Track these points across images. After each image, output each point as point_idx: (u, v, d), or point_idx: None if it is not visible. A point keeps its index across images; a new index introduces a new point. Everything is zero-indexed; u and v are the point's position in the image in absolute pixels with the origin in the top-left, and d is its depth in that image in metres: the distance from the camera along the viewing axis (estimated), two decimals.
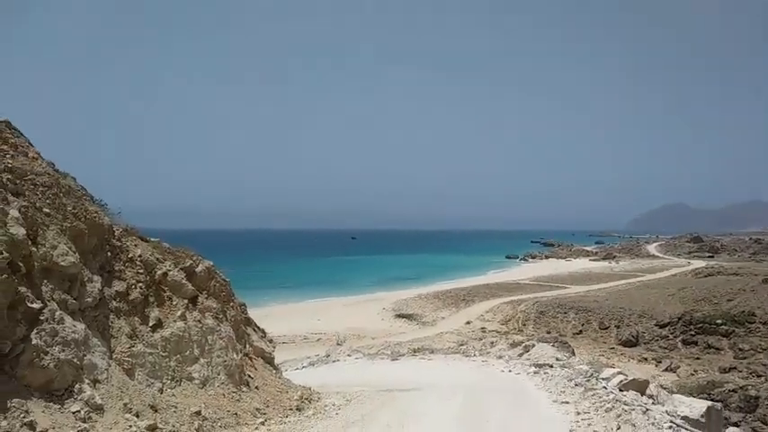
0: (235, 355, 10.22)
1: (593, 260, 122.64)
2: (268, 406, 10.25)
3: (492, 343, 25.05)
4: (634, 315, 53.47)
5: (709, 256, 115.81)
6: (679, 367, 40.55)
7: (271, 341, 13.86)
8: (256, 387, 10.67)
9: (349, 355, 24.22)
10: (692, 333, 46.33)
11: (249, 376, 10.84)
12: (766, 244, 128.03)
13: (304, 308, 66.57)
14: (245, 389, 10.16)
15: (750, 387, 31.91)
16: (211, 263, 11.52)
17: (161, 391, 8.36)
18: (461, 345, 26.39)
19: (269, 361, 12.86)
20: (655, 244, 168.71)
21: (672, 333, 48.05)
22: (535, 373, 16.01)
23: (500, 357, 21.77)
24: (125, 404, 7.33)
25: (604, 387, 12.30)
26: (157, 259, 9.82)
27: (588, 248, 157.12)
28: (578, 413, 10.79)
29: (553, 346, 22.11)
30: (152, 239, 10.49)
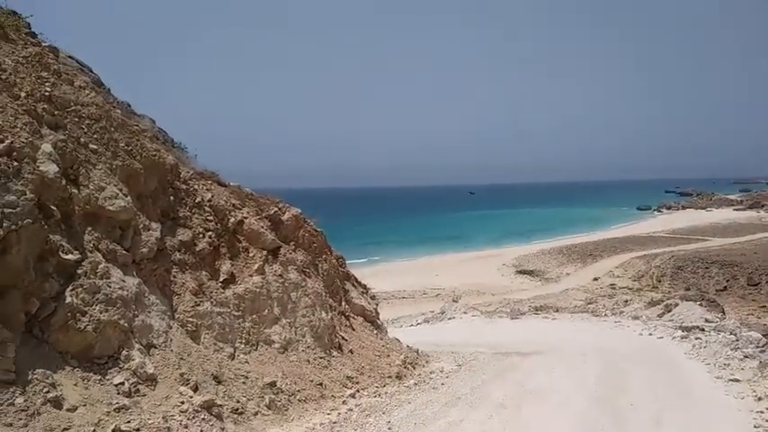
0: (324, 315, 8.81)
1: (738, 209, 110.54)
2: (362, 373, 8.79)
3: (626, 302, 22.13)
4: None
5: None
6: None
7: (374, 297, 12.44)
8: (351, 351, 9.24)
9: (465, 313, 22.54)
10: None
11: (343, 338, 9.42)
12: None
13: (423, 263, 65.69)
14: (336, 353, 8.75)
15: None
16: (299, 210, 10.11)
17: (232, 357, 7.11)
18: (590, 303, 23.67)
19: (371, 320, 11.42)
20: None
21: None
22: (683, 337, 13.33)
23: (636, 318, 19.06)
24: (182, 374, 6.09)
25: None
26: (234, 205, 8.54)
27: (732, 197, 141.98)
28: (759, 398, 8.14)
29: (700, 305, 18.90)
30: (232, 183, 9.23)
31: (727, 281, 47.57)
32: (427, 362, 11.83)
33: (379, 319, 12.56)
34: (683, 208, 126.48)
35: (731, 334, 13.20)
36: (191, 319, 6.83)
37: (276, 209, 9.59)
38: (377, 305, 12.13)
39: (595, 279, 50.29)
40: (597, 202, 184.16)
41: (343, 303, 10.51)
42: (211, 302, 7.18)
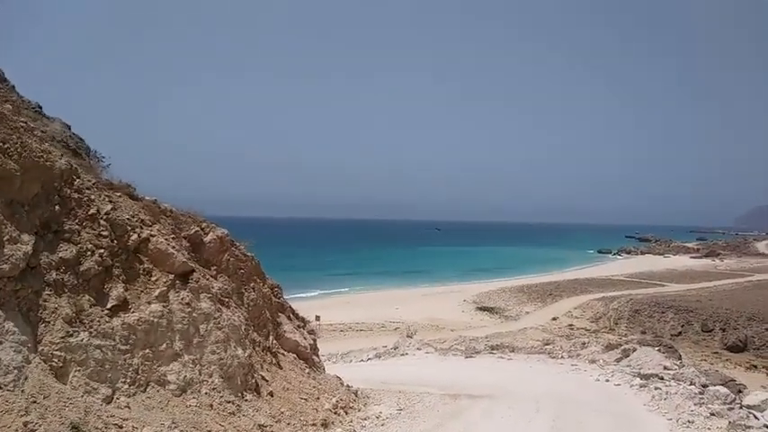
0: (240, 351, 7.49)
1: (695, 257, 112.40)
2: (279, 421, 7.45)
3: (583, 344, 21.19)
4: (742, 317, 47.27)
5: None
6: None
7: (312, 332, 11.14)
8: (270, 393, 7.89)
9: (419, 349, 21.31)
10: None
11: (264, 378, 8.07)
12: None
13: (384, 296, 64.42)
14: (250, 396, 7.39)
15: None
16: (226, 231, 8.87)
17: (108, 400, 5.73)
18: (547, 344, 22.68)
19: (305, 357, 10.11)
20: (765, 242, 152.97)
21: None
22: (642, 386, 12.34)
23: (593, 362, 18.09)
24: (26, 423, 4.73)
25: (766, 426, 8.48)
26: (142, 222, 7.24)
27: (689, 245, 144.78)
28: None
29: (658, 350, 18.04)
30: (147, 198, 7.96)
31: (682, 326, 47.44)
32: (365, 404, 10.56)
33: (316, 355, 11.27)
34: (642, 253, 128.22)
35: (691, 384, 12.29)
36: (58, 353, 5.47)
37: (198, 228, 8.34)
38: (314, 340, 10.87)
39: (554, 319, 49.72)
40: (560, 243, 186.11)
41: (271, 338, 9.19)
42: (90, 333, 5.83)
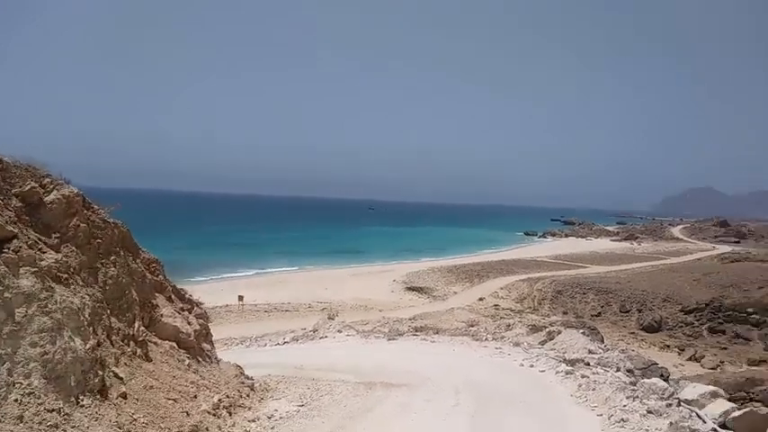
0: (78, 343, 5.70)
1: (615, 240, 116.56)
2: (129, 431, 5.76)
3: (508, 325, 20.35)
4: (657, 299, 48.75)
5: (735, 242, 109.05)
6: (704, 357, 36.17)
7: (202, 316, 9.39)
8: (123, 395, 6.15)
9: (339, 331, 19.86)
10: (720, 321, 41.83)
11: (115, 376, 6.31)
12: None
13: (314, 276, 62.74)
14: (89, 401, 5.61)
15: None
16: (76, 190, 6.97)
17: None
18: (471, 325, 21.77)
19: (188, 345, 8.36)
20: (679, 227, 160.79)
21: (698, 320, 43.47)
22: (568, 373, 11.35)
23: (517, 344, 17.21)
24: None
25: (714, 430, 7.44)
26: None
27: (610, 228, 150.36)
28: None
29: (583, 333, 17.34)
30: None
31: (602, 307, 48.38)
32: (261, 400, 8.98)
33: (208, 342, 9.55)
34: (566, 236, 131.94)
35: (618, 370, 11.43)
36: None
37: (35, 185, 6.42)
38: (204, 325, 9.13)
39: (481, 299, 49.62)
40: (489, 224, 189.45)
41: (137, 325, 7.36)
42: None
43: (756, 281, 54.84)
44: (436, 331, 19.69)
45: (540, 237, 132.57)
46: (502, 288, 54.91)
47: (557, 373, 11.69)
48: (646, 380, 9.69)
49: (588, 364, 11.91)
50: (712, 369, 33.67)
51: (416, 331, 19.76)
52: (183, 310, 8.86)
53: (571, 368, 11.67)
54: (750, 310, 41.03)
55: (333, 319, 21.70)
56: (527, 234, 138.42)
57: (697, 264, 74.31)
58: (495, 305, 47.98)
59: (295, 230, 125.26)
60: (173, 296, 8.89)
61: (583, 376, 10.53)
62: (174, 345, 8.09)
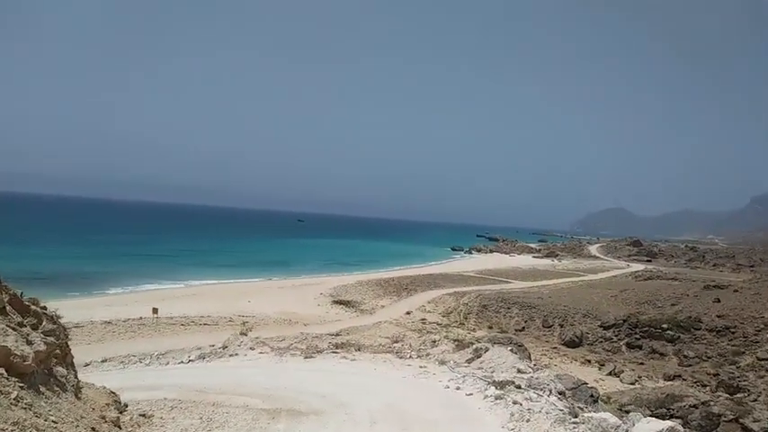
0: None
1: (537, 257, 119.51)
2: None
3: (433, 341, 19.03)
4: (578, 314, 49.14)
5: (647, 260, 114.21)
6: (623, 372, 36.34)
7: (51, 333, 7.38)
8: None
9: (252, 349, 17.90)
10: (637, 336, 42.38)
11: None
12: (701, 252, 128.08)
13: (237, 288, 59.78)
14: None
15: (712, 403, 27.26)
16: None
17: None
18: (395, 342, 20.30)
19: (21, 371, 6.34)
20: (596, 245, 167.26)
21: (616, 335, 43.90)
22: (497, 398, 10.06)
23: (443, 363, 15.88)
24: None
25: None
26: None
27: (532, 245, 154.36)
28: None
29: (511, 350, 16.22)
30: None
31: (525, 321, 48.30)
32: None
33: (61, 365, 7.53)
34: (491, 251, 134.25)
35: (550, 393, 10.23)
36: None
37: None
38: (53, 343, 7.11)
39: (408, 313, 48.67)
40: (418, 240, 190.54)
41: None
42: None
43: (669, 298, 56.72)
44: (358, 348, 18.10)
45: (466, 252, 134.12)
46: (429, 302, 54.22)
47: (485, 397, 10.38)
48: (594, 414, 8.46)
49: (519, 387, 10.67)
50: (631, 384, 33.81)
51: (337, 348, 18.10)
52: (23, 326, 6.85)
53: (501, 392, 10.39)
54: (665, 325, 41.84)
55: (245, 334, 19.66)
56: (454, 249, 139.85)
57: (613, 281, 76.62)
58: (423, 319, 47.05)
59: (219, 241, 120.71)
60: (8, 308, 6.86)
61: (515, 402, 9.26)
62: (2, 371, 6.09)
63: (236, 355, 17.80)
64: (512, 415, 8.71)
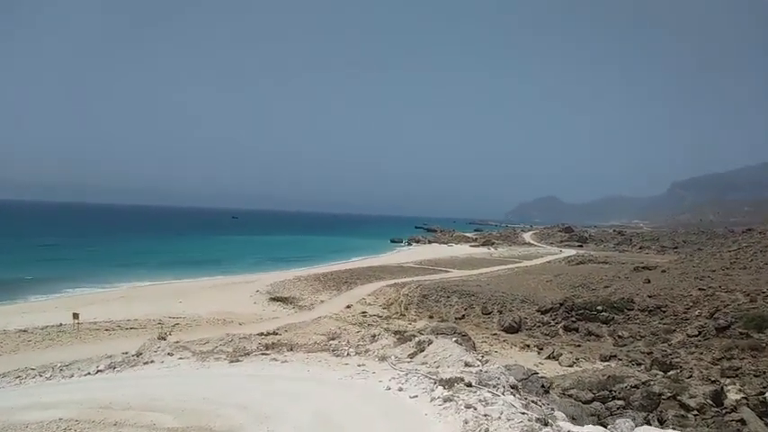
0: None
1: (474, 246, 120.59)
2: None
3: (373, 336, 17.48)
4: (516, 300, 49.18)
5: (578, 245, 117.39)
6: (561, 355, 36.20)
7: None
8: None
9: (170, 354, 15.78)
10: (574, 320, 42.52)
11: None
12: (628, 236, 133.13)
13: (167, 289, 56.52)
14: None
15: (652, 383, 27.14)
16: None
17: None
18: (332, 338, 18.60)
19: None
20: (530, 233, 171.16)
21: (554, 319, 43.98)
22: (446, 400, 8.59)
23: (384, 359, 14.36)
24: None
25: None
26: None
27: (468, 235, 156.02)
28: None
29: (456, 342, 14.88)
30: None
31: (465, 309, 47.80)
32: None
33: None
34: (430, 242, 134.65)
35: (504, 391, 8.86)
36: None
37: None
38: None
39: (348, 306, 47.29)
40: (355, 233, 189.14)
41: None
42: None
43: (602, 280, 57.85)
44: (290, 348, 16.30)
45: (405, 243, 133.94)
46: (369, 294, 53.05)
47: (432, 399, 8.89)
48: (573, 428, 7.03)
49: (470, 385, 9.26)
50: (569, 366, 33.63)
51: (267, 349, 16.24)
52: None
53: (449, 392, 8.92)
54: (599, 308, 42.15)
55: (164, 338, 17.44)
56: (393, 241, 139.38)
57: (548, 266, 77.90)
58: (363, 312, 45.72)
59: (147, 240, 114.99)
60: None
61: (467, 406, 7.79)
62: None
63: (152, 362, 15.63)
64: (465, 423, 7.20)
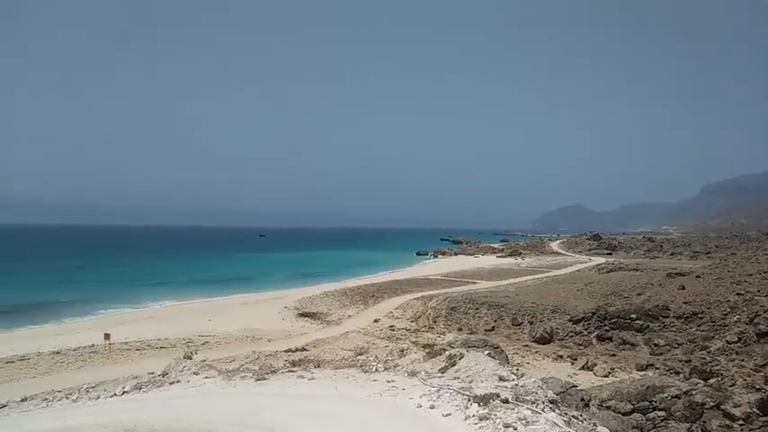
0: None
1: (500, 256, 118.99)
2: None
3: (402, 351, 16.87)
4: (547, 310, 47.78)
5: (607, 253, 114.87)
6: (596, 365, 34.92)
7: None
8: None
9: (196, 374, 15.44)
10: (607, 328, 41.13)
11: None
12: (658, 242, 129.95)
13: (196, 307, 56.72)
14: None
15: (694, 392, 25.86)
16: None
17: None
18: (360, 354, 18.06)
19: None
20: (557, 242, 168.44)
21: (586, 329, 42.57)
22: (482, 419, 7.99)
23: (413, 374, 13.74)
24: None
25: None
26: None
27: (495, 245, 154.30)
28: None
29: (488, 355, 14.18)
30: None
31: (495, 321, 46.74)
32: None
33: None
34: (456, 254, 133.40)
35: (544, 408, 8.20)
36: None
37: None
38: None
39: (376, 320, 46.73)
40: (381, 246, 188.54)
41: None
42: None
43: (634, 288, 56.08)
44: (317, 364, 15.82)
45: (431, 256, 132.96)
46: (396, 308, 52.30)
47: (466, 418, 8.28)
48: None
49: (506, 401, 8.62)
50: (605, 377, 32.45)
51: (294, 366, 15.77)
52: None
53: (485, 410, 8.30)
54: (633, 315, 40.80)
55: (190, 357, 17.11)
56: (419, 254, 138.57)
57: (578, 275, 76.09)
58: (391, 326, 45.06)
59: (177, 261, 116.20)
60: None
61: (506, 425, 7.17)
62: None
63: (178, 382, 15.29)
64: None
